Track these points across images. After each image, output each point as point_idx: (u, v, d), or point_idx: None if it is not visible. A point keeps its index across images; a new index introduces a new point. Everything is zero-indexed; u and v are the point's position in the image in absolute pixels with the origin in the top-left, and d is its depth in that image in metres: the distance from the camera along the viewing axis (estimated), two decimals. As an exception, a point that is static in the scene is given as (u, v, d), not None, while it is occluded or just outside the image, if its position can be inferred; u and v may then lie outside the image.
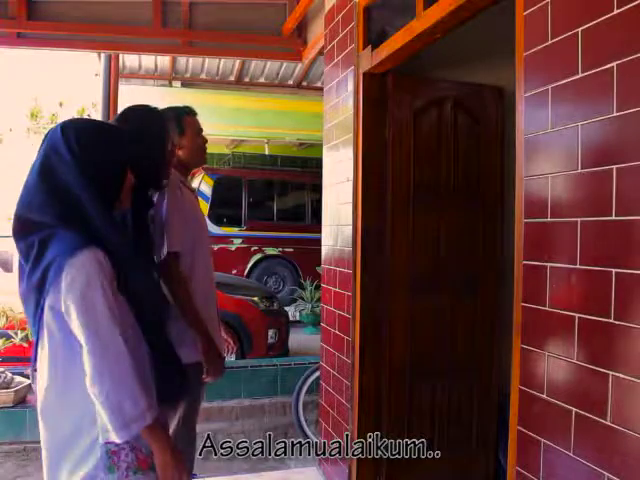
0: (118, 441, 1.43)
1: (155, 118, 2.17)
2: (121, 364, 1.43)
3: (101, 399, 1.41)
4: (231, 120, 9.06)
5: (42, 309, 1.46)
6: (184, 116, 2.41)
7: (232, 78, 7.46)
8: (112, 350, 1.43)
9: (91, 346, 1.41)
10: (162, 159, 2.14)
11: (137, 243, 1.88)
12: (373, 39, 2.80)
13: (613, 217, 1.39)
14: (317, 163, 3.64)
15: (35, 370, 1.58)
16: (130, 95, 6.81)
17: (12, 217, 1.52)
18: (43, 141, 1.54)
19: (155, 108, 2.20)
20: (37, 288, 1.46)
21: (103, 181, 1.52)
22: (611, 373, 1.38)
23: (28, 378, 4.07)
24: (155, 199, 2.22)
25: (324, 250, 3.42)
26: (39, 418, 1.54)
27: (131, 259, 1.57)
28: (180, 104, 2.50)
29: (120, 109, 2.37)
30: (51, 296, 1.43)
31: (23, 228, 1.50)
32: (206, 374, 2.26)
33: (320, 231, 3.50)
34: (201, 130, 2.47)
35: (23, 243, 1.50)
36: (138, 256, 1.78)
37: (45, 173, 1.50)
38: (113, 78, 5.61)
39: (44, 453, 1.54)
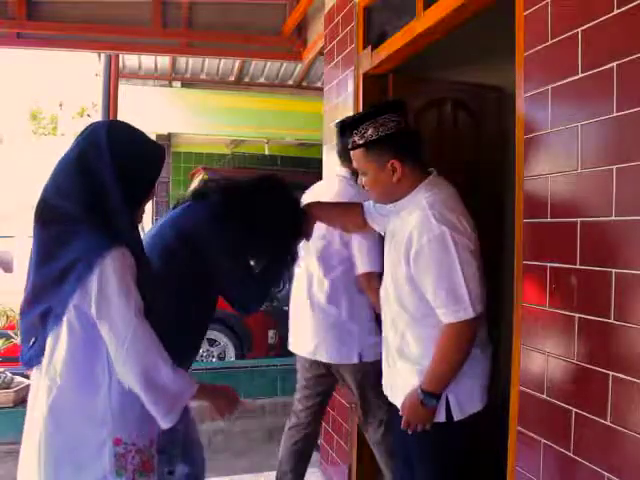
0: (166, 427, 1.47)
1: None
2: (161, 354, 1.46)
3: (150, 392, 1.42)
4: (231, 120, 9.02)
5: (61, 305, 1.43)
6: None
7: (232, 78, 7.44)
8: (152, 346, 1.44)
9: (130, 345, 1.40)
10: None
11: None
12: (373, 39, 2.80)
13: (613, 217, 1.39)
14: (317, 163, 3.63)
15: (32, 367, 1.57)
16: (130, 95, 6.80)
17: (37, 202, 1.50)
18: (79, 136, 1.54)
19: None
20: (54, 282, 1.44)
21: (134, 186, 1.52)
22: (611, 373, 1.38)
23: (28, 378, 4.07)
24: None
25: (324, 250, 3.40)
26: (45, 416, 1.52)
27: (144, 261, 1.57)
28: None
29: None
30: (77, 295, 1.41)
31: (47, 214, 1.49)
32: None
33: (320, 231, 3.49)
34: None
35: (44, 231, 1.49)
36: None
37: (81, 165, 1.49)
38: (113, 78, 5.59)
39: (42, 449, 1.52)
